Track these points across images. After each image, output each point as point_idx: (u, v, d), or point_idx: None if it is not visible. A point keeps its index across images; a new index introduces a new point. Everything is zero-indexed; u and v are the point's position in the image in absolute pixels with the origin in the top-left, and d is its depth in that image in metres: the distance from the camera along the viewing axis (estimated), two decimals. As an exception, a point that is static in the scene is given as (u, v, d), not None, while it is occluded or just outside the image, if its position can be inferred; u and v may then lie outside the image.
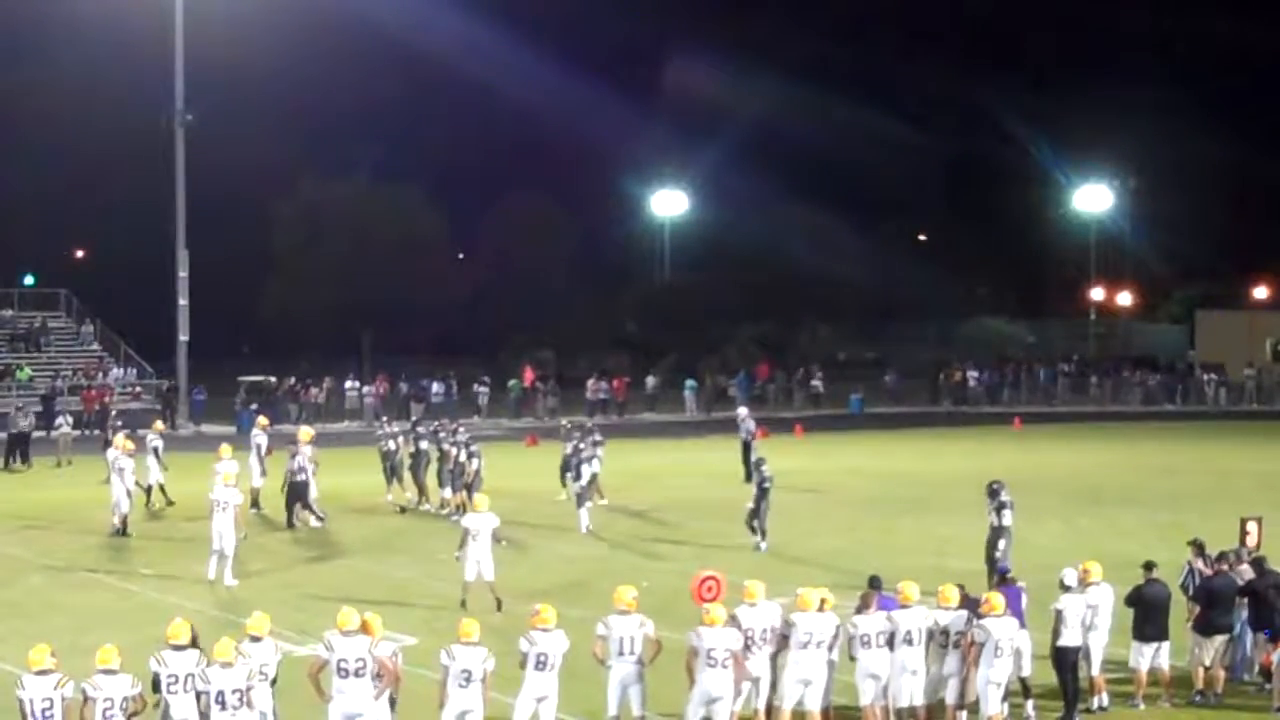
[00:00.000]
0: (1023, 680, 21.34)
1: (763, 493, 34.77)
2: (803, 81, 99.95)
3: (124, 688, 17.20)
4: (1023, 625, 21.29)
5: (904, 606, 20.46)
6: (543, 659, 18.88)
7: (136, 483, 38.84)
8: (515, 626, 19.27)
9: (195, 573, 31.81)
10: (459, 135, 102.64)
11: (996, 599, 20.59)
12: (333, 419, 69.09)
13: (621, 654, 19.52)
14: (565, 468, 40.83)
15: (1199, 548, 23.82)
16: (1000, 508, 29.17)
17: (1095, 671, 21.88)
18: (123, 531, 36.83)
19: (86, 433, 58.29)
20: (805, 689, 19.85)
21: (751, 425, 48.46)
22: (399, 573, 32.17)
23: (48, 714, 16.80)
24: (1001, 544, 28.75)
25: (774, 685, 20.23)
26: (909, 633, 20.18)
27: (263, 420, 42.19)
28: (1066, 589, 21.60)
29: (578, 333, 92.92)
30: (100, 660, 17.34)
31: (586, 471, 38.53)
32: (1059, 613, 21.34)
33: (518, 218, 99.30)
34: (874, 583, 21.44)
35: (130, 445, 38.85)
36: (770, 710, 20.11)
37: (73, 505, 42.58)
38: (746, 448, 46.96)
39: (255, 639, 18.57)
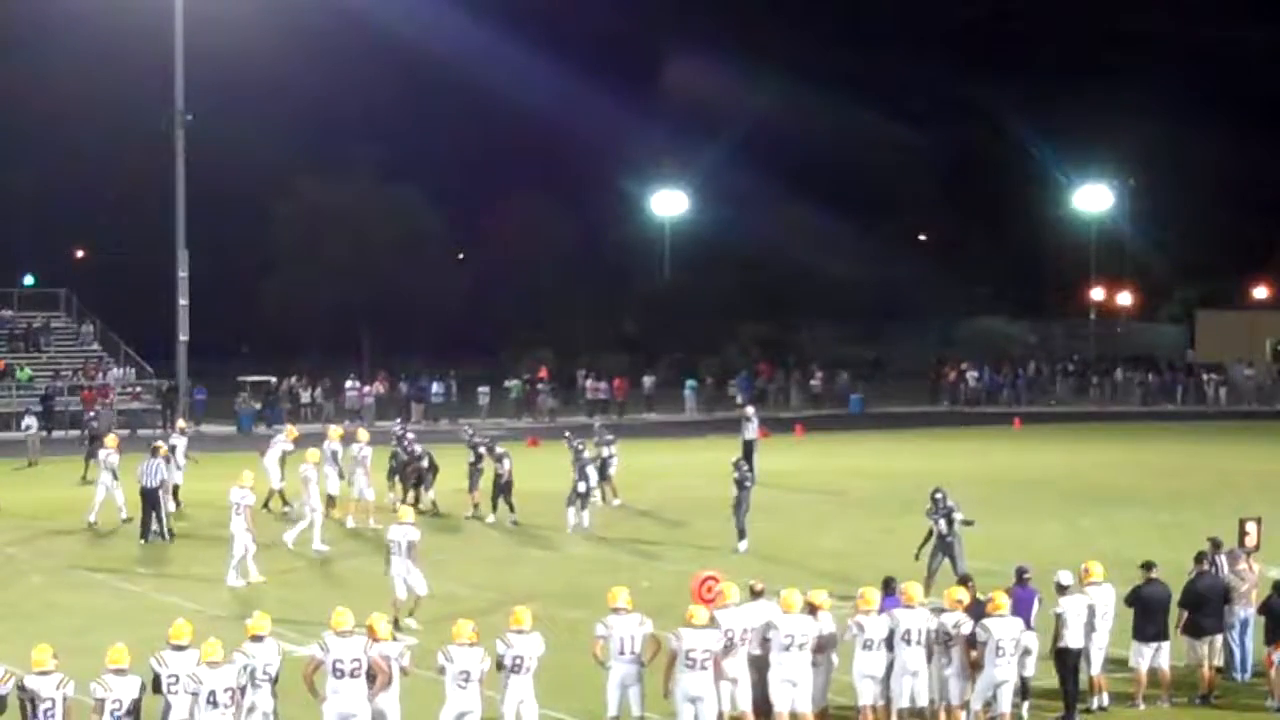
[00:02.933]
0: (1024, 681, 21.34)
1: (744, 491, 34.69)
2: (803, 81, 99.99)
3: (132, 689, 17.22)
4: (1030, 627, 21.29)
5: (907, 607, 20.44)
6: (518, 662, 18.82)
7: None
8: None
9: (194, 572, 31.90)
10: (459, 135, 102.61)
11: (1001, 598, 20.58)
12: (333, 419, 69.11)
13: (621, 654, 19.51)
14: (601, 470, 40.62)
15: (1215, 545, 23.88)
16: (949, 514, 29.01)
17: (1095, 671, 21.87)
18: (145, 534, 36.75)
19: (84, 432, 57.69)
20: (793, 690, 19.84)
21: (755, 426, 48.53)
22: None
23: (49, 714, 16.82)
24: (942, 552, 28.65)
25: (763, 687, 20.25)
26: (908, 632, 20.14)
27: (292, 430, 41.58)
28: (1063, 590, 21.59)
29: (578, 333, 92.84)
30: (111, 660, 17.34)
31: (592, 474, 38.40)
32: (1059, 615, 21.34)
33: (518, 217, 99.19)
34: (888, 585, 21.43)
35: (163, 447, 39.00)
36: (763, 712, 20.10)
37: (72, 506, 42.51)
38: (748, 446, 46.96)
39: (257, 639, 18.56)
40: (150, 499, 36.51)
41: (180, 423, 43.90)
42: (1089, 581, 21.90)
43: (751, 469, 44.83)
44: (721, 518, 35.28)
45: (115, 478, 38.42)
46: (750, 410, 50.26)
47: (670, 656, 19.38)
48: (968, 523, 29.16)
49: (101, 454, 39.12)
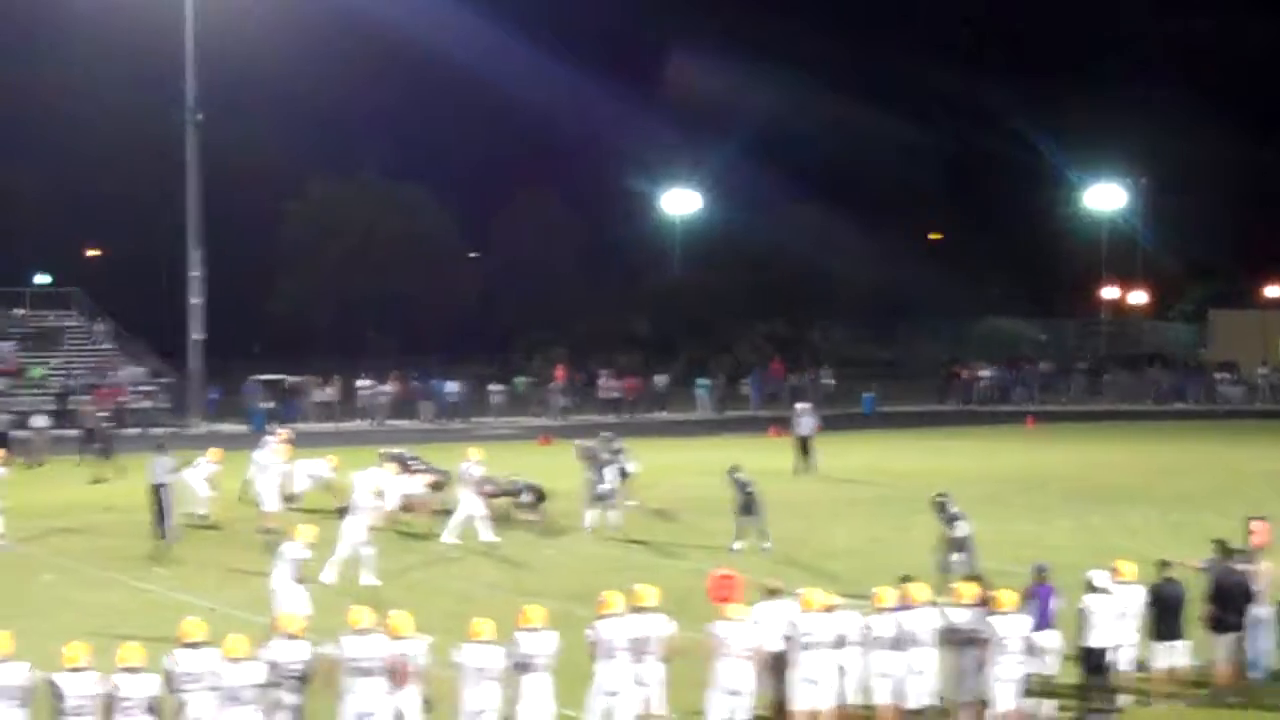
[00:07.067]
0: (1046, 679, 21.34)
1: (749, 497, 34.61)
2: (813, 81, 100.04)
3: (146, 688, 17.23)
4: (1051, 625, 21.25)
5: (911, 607, 20.43)
6: (530, 660, 18.79)
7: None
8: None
9: (208, 570, 32.01)
10: (470, 134, 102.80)
11: (1006, 596, 20.58)
12: (344, 418, 69.27)
13: (642, 654, 19.46)
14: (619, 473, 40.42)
15: (1222, 546, 23.82)
16: (952, 520, 29.00)
17: (1123, 667, 21.85)
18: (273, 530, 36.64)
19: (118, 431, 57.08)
20: (814, 689, 19.82)
21: (811, 421, 49.54)
22: (415, 573, 32.16)
23: (80, 712, 16.88)
24: (962, 555, 28.59)
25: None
26: (915, 633, 20.17)
27: (334, 459, 41.38)
28: (1093, 589, 21.56)
29: (589, 331, 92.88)
30: (122, 659, 17.35)
31: (610, 475, 38.36)
32: (1084, 612, 21.29)
33: (529, 216, 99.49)
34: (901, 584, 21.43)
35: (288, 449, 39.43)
36: (782, 710, 20.11)
37: (85, 504, 42.65)
38: (803, 442, 48.84)
39: (289, 636, 18.58)
40: (156, 496, 36.53)
41: (213, 451, 42.06)
42: (1118, 581, 21.88)
43: (811, 463, 48.13)
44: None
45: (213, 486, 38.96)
46: (801, 406, 51.22)
47: (711, 648, 19.44)
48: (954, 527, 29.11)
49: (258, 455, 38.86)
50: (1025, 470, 50.97)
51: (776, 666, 20.12)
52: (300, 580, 25.49)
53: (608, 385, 74.12)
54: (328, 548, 28.96)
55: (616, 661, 19.34)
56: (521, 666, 18.75)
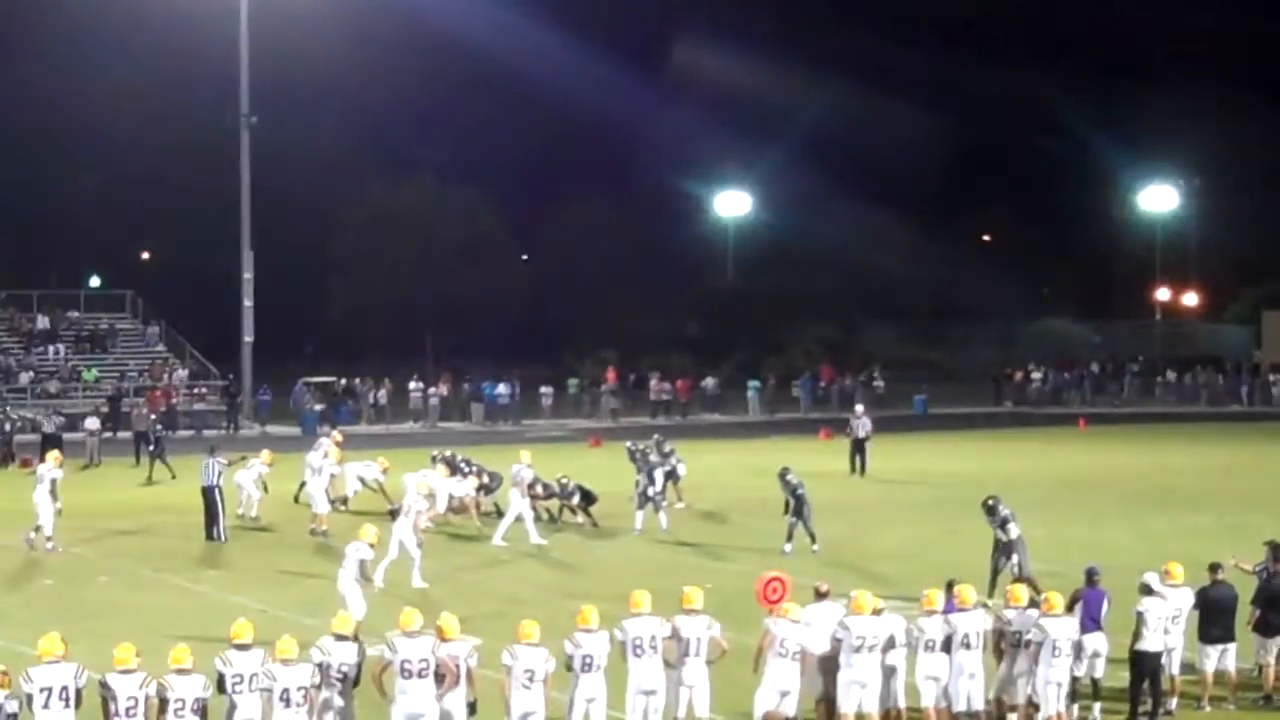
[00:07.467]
0: (1095, 682, 21.27)
1: (799, 500, 34.58)
2: (867, 82, 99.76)
3: (196, 688, 17.31)
4: (1100, 628, 21.19)
5: (961, 609, 20.39)
6: (588, 660, 18.84)
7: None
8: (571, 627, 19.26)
9: (259, 572, 32.11)
10: (522, 138, 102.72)
11: (1055, 598, 20.58)
12: (396, 420, 69.47)
13: (686, 655, 19.51)
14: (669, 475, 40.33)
15: (1275, 549, 23.64)
16: (1004, 523, 28.88)
17: (1174, 672, 21.76)
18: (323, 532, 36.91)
19: (169, 434, 57.29)
20: (862, 692, 19.79)
21: (868, 424, 49.74)
22: (464, 575, 32.20)
23: (132, 712, 16.95)
24: (1015, 557, 28.46)
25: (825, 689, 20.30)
26: (966, 636, 20.11)
27: (384, 461, 41.66)
28: (1149, 591, 21.48)
29: (641, 333, 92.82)
30: (174, 660, 17.44)
31: (659, 477, 38.36)
32: (1140, 615, 21.22)
33: (581, 219, 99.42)
34: (951, 587, 21.37)
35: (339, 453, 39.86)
36: (831, 713, 20.07)
37: (139, 506, 42.83)
38: (859, 445, 49.19)
39: (340, 638, 18.64)
40: (208, 498, 36.71)
41: (265, 453, 42.16)
42: (1168, 583, 21.80)
43: (865, 466, 48.16)
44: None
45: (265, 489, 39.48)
46: (859, 409, 51.83)
47: (764, 640, 19.52)
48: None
49: (311, 458, 39.10)
50: (1078, 473, 50.78)
51: (825, 668, 20.10)
52: (364, 579, 25.60)
53: (658, 387, 74.19)
54: (381, 549, 28.98)
55: (646, 660, 19.35)
56: (582, 666, 18.82)
